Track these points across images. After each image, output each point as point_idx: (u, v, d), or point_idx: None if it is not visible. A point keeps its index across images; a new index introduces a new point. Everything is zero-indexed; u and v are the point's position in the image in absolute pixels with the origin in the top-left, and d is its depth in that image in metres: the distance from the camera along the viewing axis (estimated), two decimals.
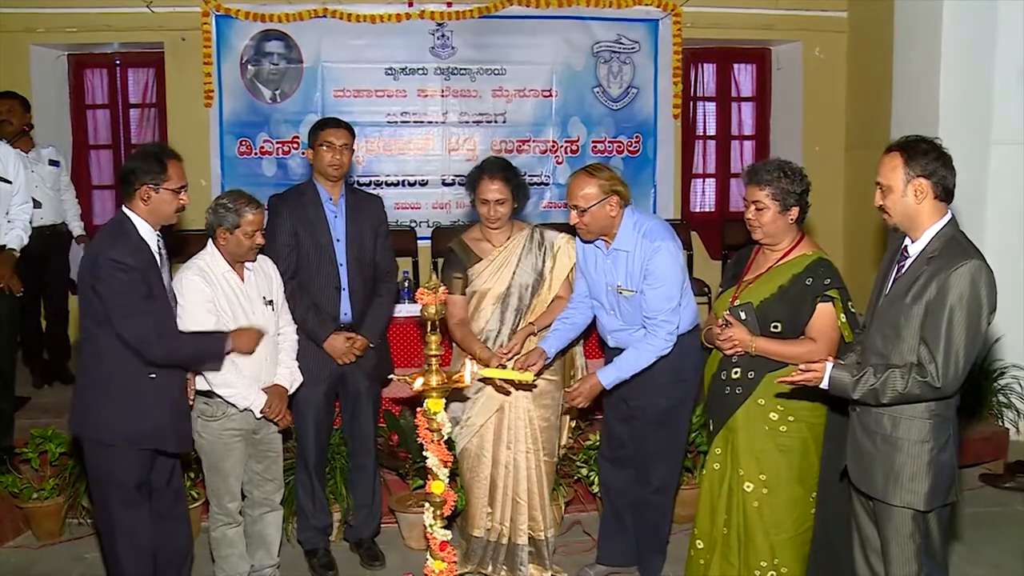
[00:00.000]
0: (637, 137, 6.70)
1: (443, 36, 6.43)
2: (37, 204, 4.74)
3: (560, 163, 6.62)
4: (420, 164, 6.57)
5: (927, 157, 2.48)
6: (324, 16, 6.26)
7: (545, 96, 6.58)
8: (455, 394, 3.30)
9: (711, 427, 3.20)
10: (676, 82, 6.70)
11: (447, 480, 2.62)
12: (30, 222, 4.30)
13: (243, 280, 3.27)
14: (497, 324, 3.48)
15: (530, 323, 3.47)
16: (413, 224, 6.50)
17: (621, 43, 6.62)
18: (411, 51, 6.41)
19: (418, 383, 2.54)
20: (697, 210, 7.23)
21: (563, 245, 3.54)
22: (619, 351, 3.30)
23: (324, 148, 3.56)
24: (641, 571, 3.55)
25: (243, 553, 3.42)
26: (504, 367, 3.30)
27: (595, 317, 3.42)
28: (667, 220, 3.52)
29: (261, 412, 3.24)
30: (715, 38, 6.86)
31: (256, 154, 6.37)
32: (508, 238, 3.51)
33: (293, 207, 3.60)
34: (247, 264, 3.29)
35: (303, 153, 5.78)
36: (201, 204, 3.49)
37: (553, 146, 6.62)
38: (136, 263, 2.82)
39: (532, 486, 3.50)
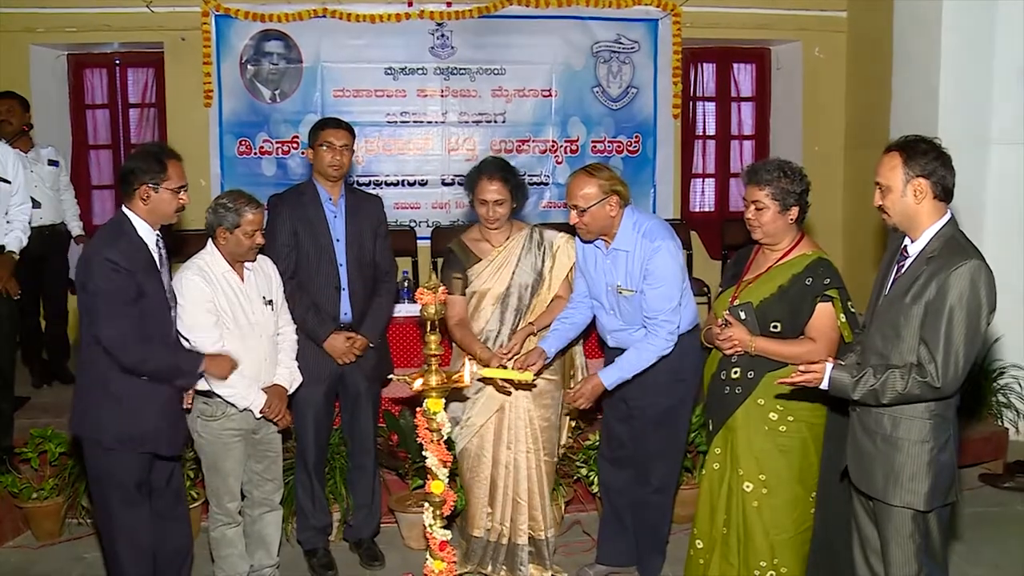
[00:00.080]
0: (637, 137, 6.70)
1: (443, 36, 6.43)
2: (36, 204, 4.74)
3: (560, 163, 6.61)
4: (420, 164, 6.57)
5: (926, 157, 2.48)
6: (324, 16, 6.26)
7: (545, 96, 6.58)
8: (455, 394, 3.30)
9: (711, 427, 3.21)
10: (676, 82, 6.70)
11: (447, 480, 2.62)
12: (29, 222, 4.30)
13: (243, 280, 3.27)
14: (497, 324, 3.48)
15: (530, 323, 3.47)
16: (413, 224, 6.50)
17: (621, 43, 6.61)
18: (410, 51, 6.41)
19: (418, 383, 2.54)
20: (697, 210, 7.23)
21: (562, 245, 3.54)
22: (619, 351, 3.30)
23: (324, 148, 3.55)
24: (641, 571, 3.55)
25: (243, 553, 3.42)
26: (504, 367, 3.30)
27: (595, 317, 3.42)
28: (667, 220, 3.52)
29: (261, 412, 3.24)
30: (715, 38, 6.86)
31: (256, 154, 6.37)
32: (507, 238, 3.51)
33: (293, 207, 3.60)
34: (247, 264, 3.29)
35: (303, 153, 5.79)
36: (201, 204, 3.49)
37: (553, 146, 6.62)
38: (129, 264, 2.82)
39: (532, 486, 3.50)
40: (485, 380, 3.37)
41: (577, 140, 6.64)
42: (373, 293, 3.69)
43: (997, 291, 2.44)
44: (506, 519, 3.51)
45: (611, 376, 3.24)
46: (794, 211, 2.98)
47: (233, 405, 3.21)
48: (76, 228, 5.45)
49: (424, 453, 2.62)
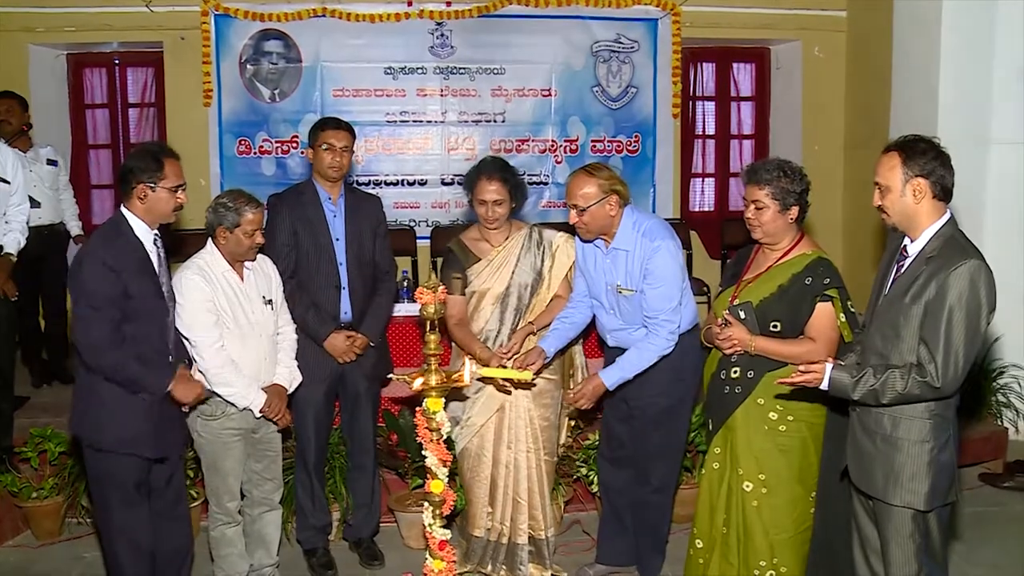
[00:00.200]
0: (636, 136, 6.70)
1: (442, 35, 6.42)
2: (35, 204, 4.75)
3: (559, 162, 6.61)
4: (419, 163, 6.56)
5: (925, 156, 2.48)
6: (323, 15, 6.26)
7: (544, 95, 6.58)
8: (454, 394, 3.30)
9: (710, 426, 3.21)
10: (675, 81, 6.69)
11: (446, 479, 2.62)
12: (27, 222, 4.30)
13: (242, 279, 3.27)
14: (496, 324, 3.48)
15: (529, 322, 3.48)
16: (412, 224, 6.49)
17: (620, 42, 6.61)
18: (410, 50, 6.40)
19: (417, 382, 2.54)
20: (696, 209, 7.23)
21: (562, 244, 3.54)
22: (619, 350, 3.30)
23: (324, 149, 3.55)
24: (640, 570, 3.56)
25: (242, 552, 3.42)
26: (504, 367, 3.31)
27: (594, 316, 3.42)
28: (666, 219, 3.52)
29: (260, 411, 3.24)
30: (714, 37, 6.86)
31: (255, 153, 6.37)
32: (507, 238, 3.51)
33: (292, 206, 3.60)
34: (246, 263, 3.29)
35: (302, 152, 5.80)
36: (200, 203, 3.50)
37: (552, 145, 6.62)
38: (119, 265, 2.82)
39: (532, 485, 3.50)
40: (485, 379, 3.38)
41: (577, 140, 6.64)
42: (373, 292, 3.69)
43: (997, 291, 2.44)
44: (506, 519, 3.51)
45: (612, 376, 3.24)
46: (794, 211, 2.97)
47: (233, 404, 3.20)
48: (75, 228, 5.46)
49: (424, 453, 2.62)
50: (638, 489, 3.44)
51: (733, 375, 3.06)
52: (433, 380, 2.53)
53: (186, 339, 3.12)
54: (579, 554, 3.82)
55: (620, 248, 3.22)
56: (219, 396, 3.18)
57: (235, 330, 3.20)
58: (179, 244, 4.67)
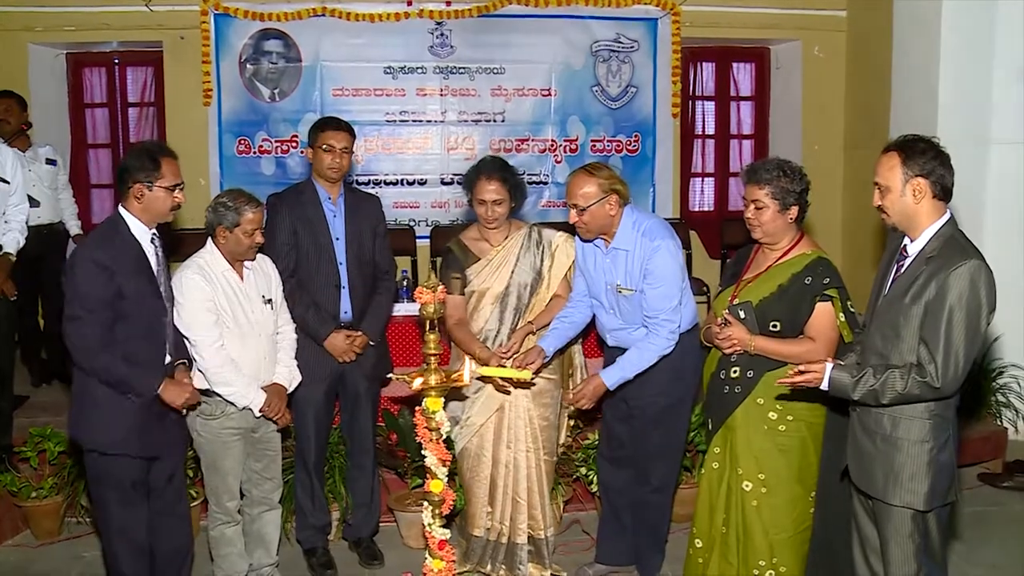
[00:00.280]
0: (636, 136, 6.69)
1: (442, 35, 6.42)
2: (35, 203, 4.75)
3: (559, 162, 6.61)
4: (419, 163, 6.56)
5: (925, 156, 2.48)
6: (323, 15, 6.25)
7: (544, 95, 6.57)
8: (454, 393, 3.30)
9: (710, 426, 3.21)
10: (675, 81, 6.69)
11: (446, 479, 2.62)
12: (26, 222, 4.30)
13: (242, 279, 3.27)
14: (496, 323, 3.48)
15: (529, 322, 3.47)
16: (412, 223, 6.49)
17: (620, 42, 6.61)
18: (410, 50, 6.40)
19: (417, 382, 2.54)
20: (696, 209, 7.22)
21: (561, 244, 3.53)
22: (618, 350, 3.30)
23: (324, 150, 3.55)
24: (640, 570, 3.56)
25: (242, 552, 3.42)
26: (503, 366, 3.30)
27: (594, 316, 3.42)
28: (666, 219, 3.52)
29: (260, 411, 3.24)
30: (714, 37, 6.86)
31: (255, 153, 6.36)
32: (506, 237, 3.51)
33: (292, 206, 3.60)
34: (246, 263, 3.29)
35: (302, 152, 5.80)
36: (200, 203, 3.49)
37: (552, 145, 6.62)
38: (113, 264, 2.81)
39: (532, 485, 3.50)
40: (484, 378, 3.37)
41: (576, 139, 6.63)
42: (373, 292, 3.69)
43: (997, 291, 2.44)
44: (506, 518, 3.51)
45: (613, 376, 3.24)
46: (793, 210, 2.97)
47: (232, 404, 3.20)
48: (74, 227, 5.45)
49: (423, 452, 2.62)
50: (638, 489, 3.44)
51: (733, 375, 3.06)
52: (432, 380, 2.53)
53: (186, 338, 3.12)
54: (578, 554, 3.82)
55: (620, 248, 3.22)
56: (219, 395, 3.18)
57: (235, 329, 3.19)
58: (178, 244, 4.67)
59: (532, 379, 3.32)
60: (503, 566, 3.54)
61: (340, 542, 3.90)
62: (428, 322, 2.56)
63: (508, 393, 3.42)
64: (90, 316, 2.80)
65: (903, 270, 2.56)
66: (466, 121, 6.55)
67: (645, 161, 6.73)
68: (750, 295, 3.04)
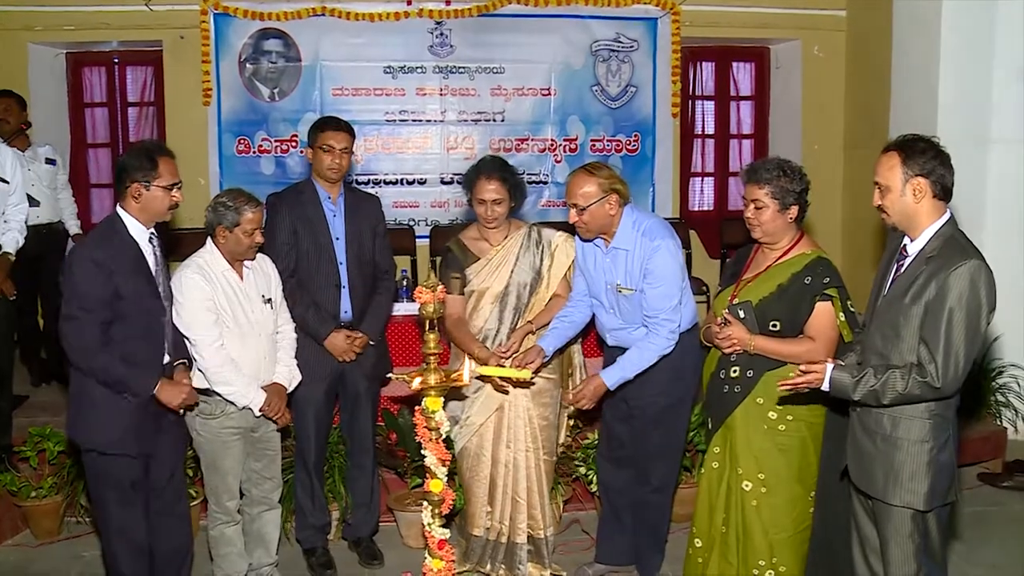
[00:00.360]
0: (636, 136, 6.69)
1: (442, 35, 6.42)
2: (34, 203, 4.75)
3: (559, 162, 6.61)
4: (418, 163, 6.56)
5: (925, 156, 2.48)
6: (322, 15, 6.25)
7: (544, 95, 6.57)
8: (453, 393, 3.30)
9: (710, 426, 3.21)
10: (675, 81, 6.69)
11: (445, 479, 2.62)
12: (26, 221, 4.30)
13: (242, 278, 3.26)
14: (496, 323, 3.48)
15: (528, 321, 3.47)
16: (411, 223, 6.49)
17: (620, 42, 6.61)
18: (409, 50, 6.39)
19: (416, 382, 2.53)
20: (696, 209, 7.22)
21: (561, 243, 3.53)
22: (618, 350, 3.30)
23: (324, 150, 3.55)
24: (640, 570, 3.56)
25: (241, 551, 3.42)
26: (502, 366, 3.30)
27: (594, 316, 3.42)
28: (666, 219, 3.52)
29: (260, 410, 3.24)
30: (714, 37, 6.85)
31: (254, 152, 6.36)
32: (506, 237, 3.51)
33: (292, 206, 3.60)
34: (246, 262, 3.29)
35: (302, 152, 5.79)
36: (199, 203, 3.49)
37: (552, 145, 6.61)
38: (112, 265, 2.81)
39: (531, 485, 3.50)
40: (483, 378, 3.37)
41: (576, 139, 6.63)
42: (373, 291, 3.69)
43: (997, 291, 2.44)
44: (505, 518, 3.51)
45: (613, 376, 3.24)
46: (793, 210, 2.97)
47: (232, 403, 3.20)
48: (74, 227, 5.45)
49: (423, 452, 2.62)
50: (638, 489, 3.44)
51: (732, 374, 3.06)
52: (432, 379, 2.53)
53: (186, 338, 3.12)
54: (578, 553, 3.82)
55: (620, 247, 3.22)
56: (218, 395, 3.18)
57: (235, 329, 3.19)
58: (177, 243, 4.67)
59: (531, 379, 3.32)
60: (503, 566, 3.54)
61: (340, 542, 3.89)
62: (428, 322, 2.56)
63: (507, 393, 3.42)
64: (87, 316, 2.80)
65: (903, 270, 2.56)
66: (466, 121, 6.55)
67: (645, 161, 6.72)
68: (750, 295, 3.04)
